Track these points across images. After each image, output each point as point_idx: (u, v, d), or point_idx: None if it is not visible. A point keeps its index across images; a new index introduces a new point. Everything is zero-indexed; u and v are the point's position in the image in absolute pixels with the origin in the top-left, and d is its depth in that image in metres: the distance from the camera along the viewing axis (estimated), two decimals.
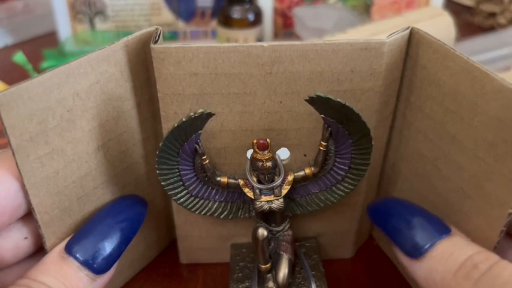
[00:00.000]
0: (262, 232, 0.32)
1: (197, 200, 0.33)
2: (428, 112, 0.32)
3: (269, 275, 0.33)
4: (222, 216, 0.34)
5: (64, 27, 0.70)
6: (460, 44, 0.64)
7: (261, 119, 0.32)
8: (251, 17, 0.65)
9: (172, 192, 0.32)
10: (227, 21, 0.64)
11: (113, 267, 0.29)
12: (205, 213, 0.34)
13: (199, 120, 0.30)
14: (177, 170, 0.32)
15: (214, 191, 0.34)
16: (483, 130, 0.27)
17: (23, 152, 0.27)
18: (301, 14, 0.70)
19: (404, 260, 0.30)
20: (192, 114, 0.28)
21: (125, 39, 0.31)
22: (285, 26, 0.75)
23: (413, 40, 0.31)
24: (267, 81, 0.30)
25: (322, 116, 0.30)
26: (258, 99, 0.31)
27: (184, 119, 0.28)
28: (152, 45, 0.29)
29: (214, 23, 0.73)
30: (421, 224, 0.30)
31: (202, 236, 0.38)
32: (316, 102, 0.29)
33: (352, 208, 0.37)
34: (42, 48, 0.68)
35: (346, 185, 0.33)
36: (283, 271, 0.33)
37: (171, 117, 0.32)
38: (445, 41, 0.30)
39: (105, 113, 0.31)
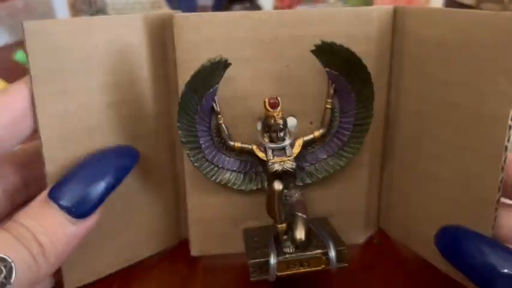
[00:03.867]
0: (278, 185, 0.33)
1: (212, 166, 0.36)
2: (421, 69, 0.35)
3: (285, 237, 0.35)
4: (235, 187, 0.37)
5: None
6: None
7: (270, 85, 0.36)
8: None
9: (190, 152, 0.35)
10: None
11: (95, 212, 0.31)
12: (219, 182, 0.36)
13: (218, 70, 0.33)
14: (195, 129, 0.35)
15: (228, 160, 0.37)
16: (471, 60, 0.31)
17: (40, 83, 0.31)
18: None
19: None
20: (211, 58, 0.32)
21: (144, 13, 0.35)
22: None
23: (398, 12, 0.37)
24: (274, 45, 0.35)
25: (326, 69, 0.34)
26: (266, 63, 0.35)
27: (204, 64, 0.32)
28: (174, 14, 0.34)
29: None
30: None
31: (214, 219, 0.39)
32: (321, 51, 0.33)
33: (358, 183, 0.40)
34: None
35: (352, 145, 0.36)
36: (300, 229, 0.34)
37: None
38: None
39: (121, 73, 0.35)
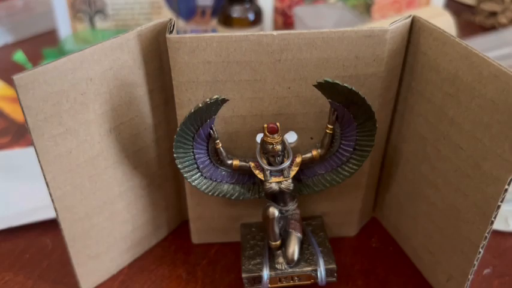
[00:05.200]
0: (273, 211, 0.35)
1: (210, 182, 0.37)
2: (429, 96, 0.35)
3: (279, 252, 0.37)
4: (233, 198, 0.38)
5: (64, 26, 0.74)
6: None
7: (270, 104, 0.36)
8: (251, 16, 0.68)
9: (187, 174, 0.36)
10: (227, 21, 0.67)
11: None
12: (217, 195, 0.37)
13: (214, 106, 0.33)
14: (192, 154, 0.35)
15: (226, 174, 0.37)
16: (480, 112, 0.31)
17: (38, 131, 0.31)
18: (302, 13, 0.73)
19: None
20: (207, 100, 0.32)
21: (138, 28, 0.34)
22: (285, 25, 0.79)
23: (414, 28, 0.35)
24: (276, 68, 0.34)
25: (329, 100, 0.34)
26: (267, 85, 0.35)
27: (200, 105, 0.32)
28: (168, 35, 0.33)
29: (214, 22, 0.76)
30: None
31: (213, 217, 0.42)
32: (324, 87, 0.33)
33: (355, 188, 0.41)
34: (42, 46, 0.71)
35: (350, 165, 0.36)
36: (293, 247, 0.36)
37: (185, 104, 0.35)
38: None
39: (118, 97, 0.35)
